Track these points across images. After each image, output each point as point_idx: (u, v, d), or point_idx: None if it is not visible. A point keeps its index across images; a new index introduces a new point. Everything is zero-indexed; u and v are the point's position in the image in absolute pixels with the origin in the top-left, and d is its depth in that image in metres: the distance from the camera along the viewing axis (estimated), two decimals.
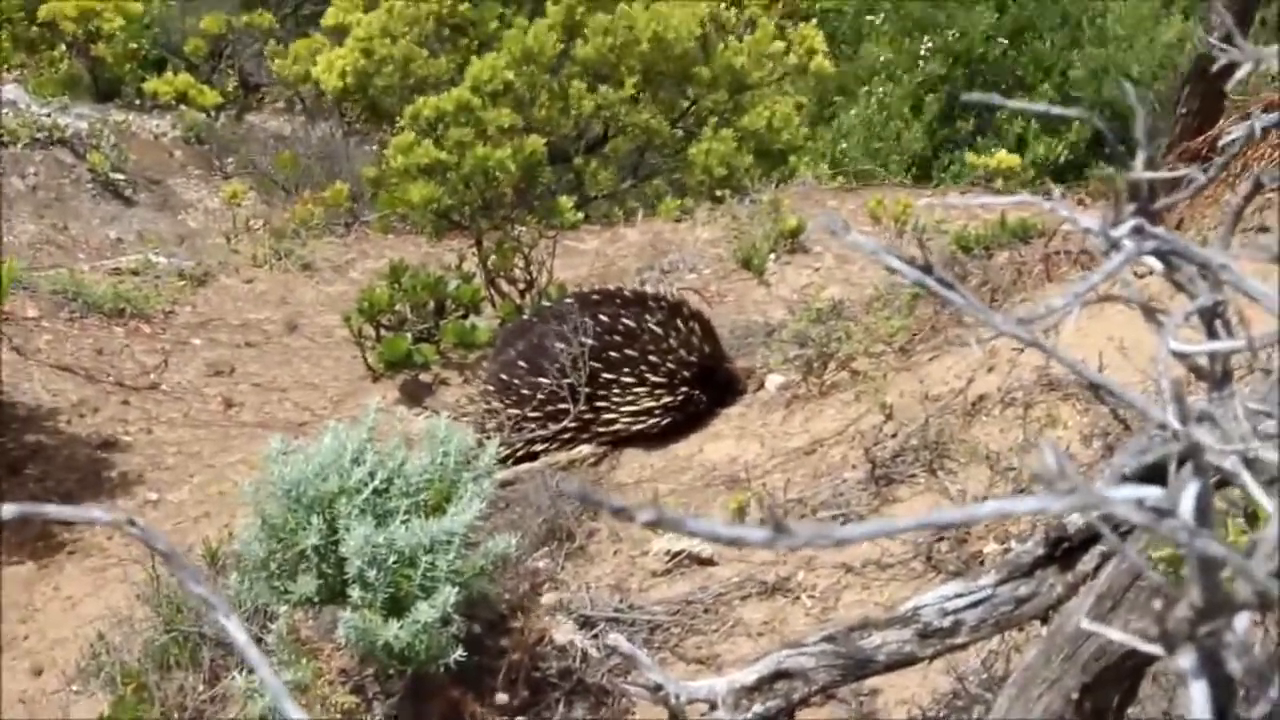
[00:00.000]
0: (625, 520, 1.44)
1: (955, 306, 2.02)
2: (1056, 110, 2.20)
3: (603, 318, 8.40)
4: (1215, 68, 7.06)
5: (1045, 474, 1.45)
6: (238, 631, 1.89)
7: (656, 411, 8.27)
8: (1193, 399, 1.80)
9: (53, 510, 1.87)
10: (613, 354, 8.26)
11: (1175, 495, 1.50)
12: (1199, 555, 1.43)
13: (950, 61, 16.95)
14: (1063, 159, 16.22)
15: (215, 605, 1.91)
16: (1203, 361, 2.16)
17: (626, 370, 8.26)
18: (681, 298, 8.85)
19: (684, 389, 8.31)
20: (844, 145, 16.60)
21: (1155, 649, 1.65)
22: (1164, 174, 2.15)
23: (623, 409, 8.23)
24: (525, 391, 8.31)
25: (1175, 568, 3.24)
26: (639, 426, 8.27)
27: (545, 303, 9.59)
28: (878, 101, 16.99)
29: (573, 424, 8.19)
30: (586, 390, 8.17)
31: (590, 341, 8.22)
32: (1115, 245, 2.03)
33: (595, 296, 8.88)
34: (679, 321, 8.43)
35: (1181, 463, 1.68)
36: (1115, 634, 2.65)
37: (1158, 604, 1.49)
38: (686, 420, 8.36)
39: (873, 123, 16.74)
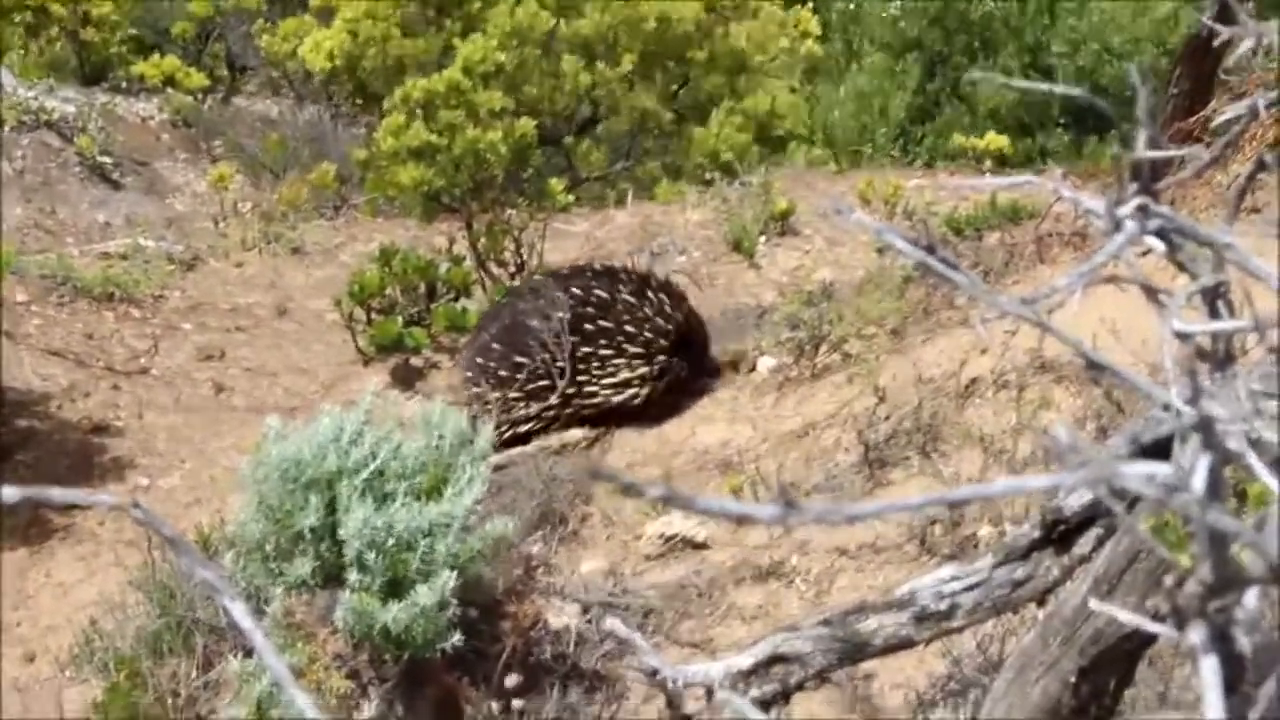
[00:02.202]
0: (635, 496, 1.44)
1: (957, 287, 2.01)
2: (1060, 89, 2.20)
3: (575, 291, 8.42)
4: (1218, 42, 7.05)
5: (1057, 450, 1.45)
6: (243, 616, 1.88)
7: (635, 382, 8.26)
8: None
9: (57, 493, 1.86)
10: (587, 326, 8.27)
11: (1186, 470, 1.50)
12: (1210, 530, 1.43)
13: (926, 24, 16.82)
14: (1028, 120, 16.11)
15: (221, 589, 1.90)
16: (1205, 342, 2.15)
17: (603, 342, 8.26)
18: (649, 270, 8.81)
19: (661, 357, 8.30)
20: (835, 116, 16.54)
21: (1158, 628, 1.65)
22: (1168, 153, 2.14)
23: (603, 381, 8.23)
24: (503, 373, 8.33)
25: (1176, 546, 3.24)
26: (619, 399, 8.26)
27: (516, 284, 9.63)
28: (865, 71, 16.92)
29: (556, 399, 8.19)
30: (564, 365, 8.18)
31: (564, 315, 8.23)
32: (1118, 225, 2.03)
33: (565, 271, 8.94)
34: (649, 292, 8.42)
35: (1186, 441, 1.68)
36: (1120, 613, 2.65)
37: (1168, 580, 1.49)
38: (669, 393, 8.36)
39: (862, 94, 16.68)
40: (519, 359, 8.35)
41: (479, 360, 8.61)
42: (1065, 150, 15.22)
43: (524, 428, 8.15)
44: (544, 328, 8.28)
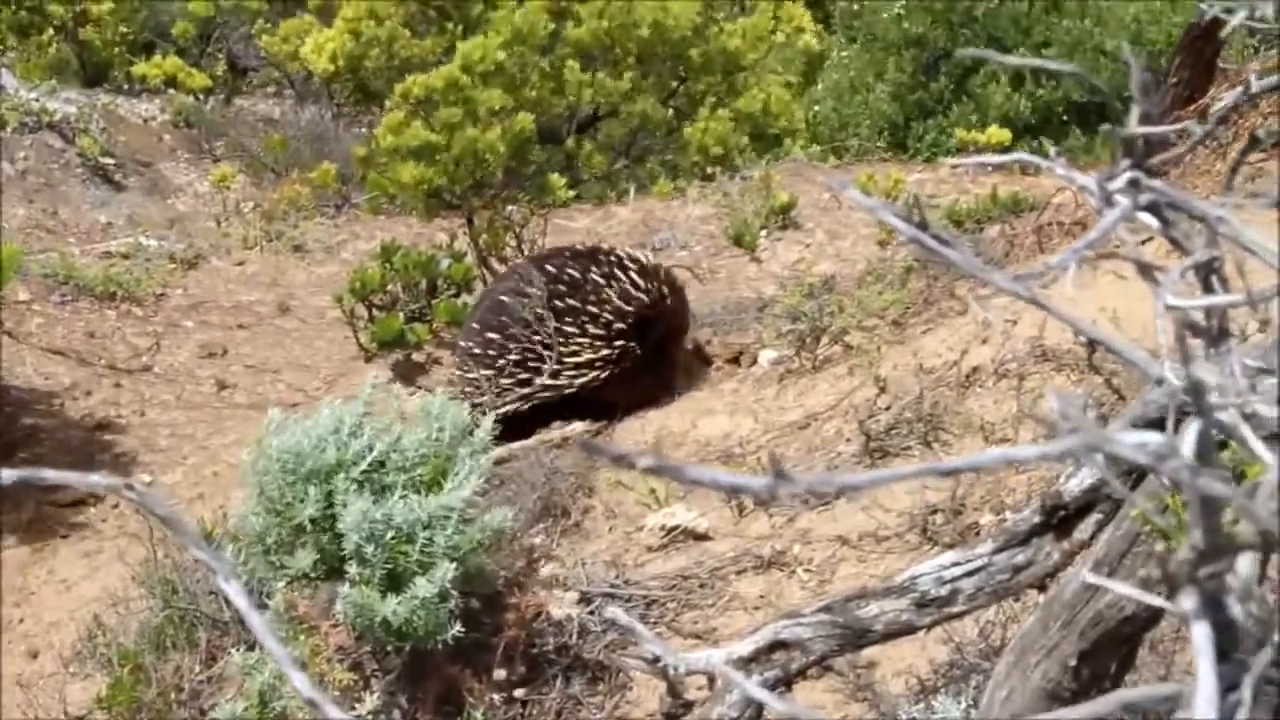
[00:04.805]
0: (626, 467, 1.44)
1: (951, 264, 2.01)
2: (1053, 65, 2.20)
3: (549, 269, 8.45)
4: (1206, 18, 7.05)
5: (1050, 419, 1.45)
6: (238, 596, 1.87)
7: (597, 364, 8.27)
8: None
9: (52, 475, 1.87)
10: (557, 303, 8.29)
11: (1177, 439, 1.50)
12: (1201, 496, 1.43)
13: (929, 21, 16.84)
14: (1032, 119, 16.11)
15: (216, 569, 1.90)
16: (1200, 318, 2.15)
17: (569, 320, 8.28)
18: (632, 253, 8.79)
19: (619, 341, 8.31)
20: (817, 109, 16.57)
21: (1157, 600, 1.65)
22: (1160, 129, 2.14)
23: (565, 360, 8.25)
24: (491, 353, 8.37)
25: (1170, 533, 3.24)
26: (582, 380, 8.27)
27: None
28: (841, 65, 16.94)
29: (523, 374, 8.23)
30: (545, 341, 8.21)
31: (537, 292, 8.26)
32: (1110, 201, 2.02)
33: (547, 252, 8.99)
34: (619, 271, 8.41)
35: (1180, 416, 1.68)
36: (1119, 586, 2.65)
37: (1160, 547, 1.49)
38: (642, 378, 8.37)
39: (839, 87, 16.70)
40: (490, 335, 8.41)
41: (464, 344, 8.69)
42: (1070, 150, 15.23)
43: (512, 407, 8.15)
44: (519, 305, 8.33)
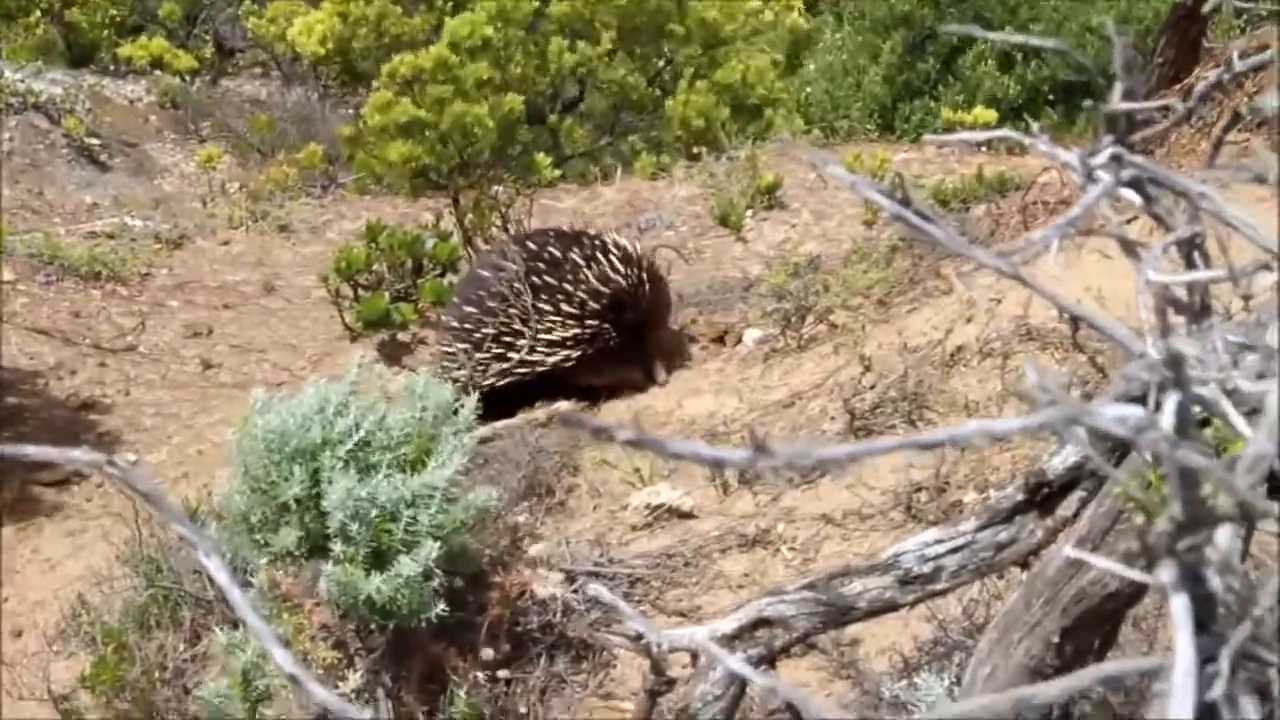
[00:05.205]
0: (605, 440, 1.44)
1: (934, 241, 2.01)
2: (1036, 41, 2.20)
3: (531, 245, 8.47)
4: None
5: (1029, 392, 1.45)
6: (219, 571, 1.87)
7: (569, 342, 8.28)
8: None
9: (34, 451, 1.86)
10: (534, 279, 8.31)
11: (1156, 412, 1.50)
12: (1180, 468, 1.43)
13: (916, 1, 16.82)
14: (1019, 100, 16.11)
15: (198, 544, 1.90)
16: (1182, 294, 2.15)
17: (545, 297, 8.30)
18: (619, 240, 8.78)
19: (592, 321, 8.32)
20: (809, 90, 16.55)
21: (1140, 575, 1.65)
22: (1141, 105, 2.14)
23: (539, 337, 8.26)
24: (468, 326, 8.40)
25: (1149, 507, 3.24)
26: (554, 359, 8.29)
27: None
28: (835, 46, 16.92)
29: (498, 348, 8.26)
30: (514, 312, 8.24)
31: (515, 267, 8.28)
32: (1093, 177, 2.02)
33: (531, 232, 9.04)
34: (600, 255, 8.42)
35: (1161, 392, 1.68)
36: (1099, 561, 2.65)
37: (1139, 520, 1.49)
38: (614, 362, 8.38)
39: (832, 68, 16.68)
40: (469, 309, 8.46)
41: (445, 318, 8.81)
42: (1055, 128, 15.22)
43: (488, 382, 8.16)
44: (496, 280, 8.36)
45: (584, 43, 12.60)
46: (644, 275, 8.50)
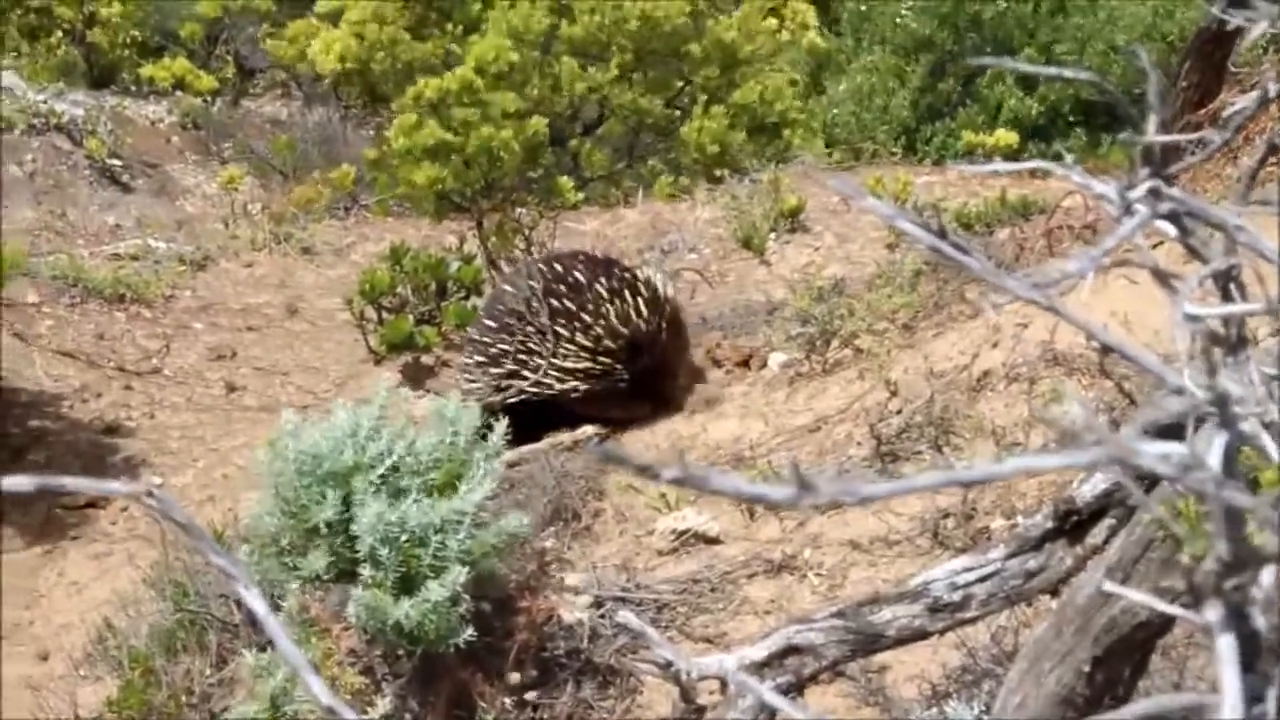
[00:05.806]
0: (650, 478, 1.44)
1: (968, 271, 2.00)
2: (1069, 74, 2.20)
3: (557, 267, 8.44)
4: (1230, 26, 7.03)
5: (1071, 428, 1.45)
6: (257, 602, 1.88)
7: (578, 374, 8.24)
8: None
9: (70, 482, 1.87)
10: (553, 302, 8.26)
11: (1201, 448, 1.50)
12: (1226, 507, 1.43)
13: (936, 23, 16.78)
14: (1041, 120, 16.05)
15: (236, 576, 1.90)
16: (1217, 327, 2.14)
17: (563, 322, 8.25)
18: (647, 276, 8.68)
19: (604, 359, 8.28)
20: (835, 113, 16.52)
21: (1174, 610, 1.65)
22: (1178, 136, 2.14)
23: (552, 360, 8.22)
24: (486, 339, 8.40)
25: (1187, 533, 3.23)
26: (561, 387, 8.24)
27: None
28: (865, 69, 16.89)
29: (511, 365, 8.24)
30: (531, 329, 8.22)
31: (535, 285, 8.26)
32: (1129, 209, 2.02)
33: (563, 253, 9.02)
34: (628, 291, 8.37)
35: (1199, 423, 1.68)
36: (1135, 595, 2.65)
37: (1183, 558, 1.49)
38: (604, 393, 8.36)
39: (860, 91, 16.65)
40: (488, 322, 8.47)
41: (469, 332, 8.89)
42: (1079, 151, 15.19)
43: (499, 398, 8.13)
44: (514, 298, 8.35)
45: (594, 67, 12.60)
46: (664, 322, 8.42)
